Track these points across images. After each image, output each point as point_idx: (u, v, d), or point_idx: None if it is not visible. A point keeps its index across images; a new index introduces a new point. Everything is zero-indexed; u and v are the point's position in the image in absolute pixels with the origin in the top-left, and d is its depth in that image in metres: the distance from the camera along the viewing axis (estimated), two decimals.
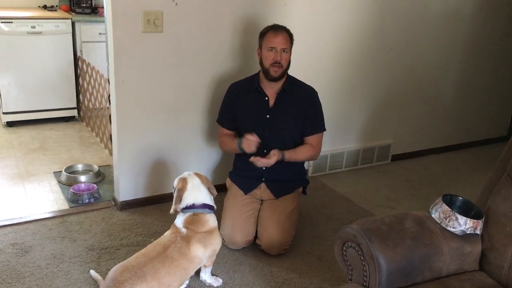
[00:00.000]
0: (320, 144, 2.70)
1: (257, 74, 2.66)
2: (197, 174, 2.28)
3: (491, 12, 4.12)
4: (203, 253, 2.12)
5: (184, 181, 2.23)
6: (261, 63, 2.57)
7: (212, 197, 2.28)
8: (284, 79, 2.61)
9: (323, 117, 2.70)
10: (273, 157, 2.48)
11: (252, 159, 2.49)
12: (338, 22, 3.35)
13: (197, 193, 2.21)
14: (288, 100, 2.61)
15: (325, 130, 2.70)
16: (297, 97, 2.62)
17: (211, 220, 2.21)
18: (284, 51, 2.50)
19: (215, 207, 2.29)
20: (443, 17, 3.84)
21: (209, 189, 2.27)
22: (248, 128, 2.62)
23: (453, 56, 4.08)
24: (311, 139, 2.66)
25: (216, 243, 2.19)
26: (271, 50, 2.50)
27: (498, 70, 4.42)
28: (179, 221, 2.17)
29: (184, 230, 2.12)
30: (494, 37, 4.25)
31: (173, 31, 2.75)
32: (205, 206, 2.21)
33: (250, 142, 2.49)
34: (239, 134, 2.71)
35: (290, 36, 2.54)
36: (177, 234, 2.11)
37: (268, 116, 2.61)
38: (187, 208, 2.18)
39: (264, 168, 2.65)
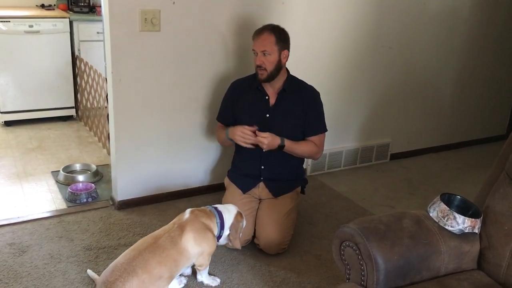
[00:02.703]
0: (323, 144, 2.69)
1: None
2: (239, 214, 2.37)
3: (489, 11, 4.11)
4: (192, 247, 2.10)
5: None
6: None
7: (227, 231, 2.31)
8: (284, 78, 2.60)
9: (324, 117, 2.69)
10: (269, 137, 2.46)
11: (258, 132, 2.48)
12: (336, 21, 3.34)
13: (227, 210, 2.33)
14: (289, 99, 2.60)
15: (326, 130, 2.70)
16: (298, 97, 2.62)
17: (213, 224, 2.23)
18: (264, 53, 2.46)
19: (222, 235, 2.29)
20: (441, 16, 3.84)
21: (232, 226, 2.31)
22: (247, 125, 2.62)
23: (452, 54, 4.07)
24: (313, 139, 2.65)
25: (206, 244, 2.18)
26: (255, 53, 2.50)
27: (497, 68, 4.42)
28: (191, 208, 2.26)
29: (187, 215, 2.18)
30: (493, 36, 4.24)
31: (170, 30, 2.75)
32: (221, 217, 2.27)
33: (242, 133, 2.49)
34: None
35: (276, 36, 2.46)
36: (176, 222, 2.16)
37: (268, 115, 2.60)
38: (211, 206, 2.33)
39: (262, 167, 2.65)
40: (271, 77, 2.53)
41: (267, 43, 2.45)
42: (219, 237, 2.27)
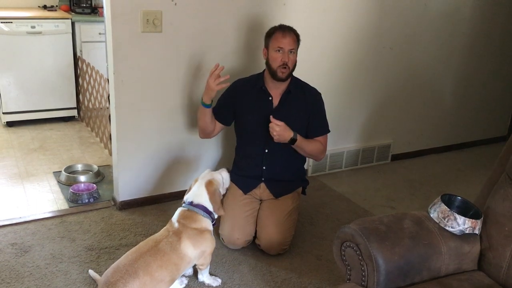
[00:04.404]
0: (326, 144, 2.69)
1: (262, 73, 2.65)
2: (209, 182, 2.27)
3: (490, 12, 4.12)
4: (192, 252, 2.11)
5: (195, 180, 2.31)
6: (267, 64, 2.55)
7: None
8: (289, 80, 2.60)
9: (326, 119, 2.69)
10: (282, 126, 2.45)
11: (272, 119, 2.46)
12: (337, 22, 3.35)
13: (199, 194, 2.24)
14: (293, 101, 2.61)
15: (329, 131, 2.70)
16: (302, 98, 2.62)
17: (204, 221, 2.19)
18: (291, 52, 2.49)
19: (215, 216, 2.26)
20: (443, 17, 3.84)
21: (211, 200, 2.24)
22: (249, 126, 2.63)
23: (453, 55, 4.07)
24: (318, 139, 2.65)
25: (205, 245, 2.18)
26: (279, 51, 2.48)
27: (498, 69, 4.42)
28: (175, 215, 2.21)
29: (176, 225, 2.15)
30: (494, 37, 4.24)
31: (172, 31, 2.76)
32: (202, 208, 2.21)
33: (209, 81, 2.46)
34: (240, 132, 2.73)
35: (297, 37, 2.53)
36: (169, 229, 2.14)
37: (271, 116, 2.61)
38: (187, 203, 2.24)
39: (264, 167, 2.65)
40: (289, 76, 2.55)
41: (293, 42, 2.49)
42: (215, 219, 2.26)
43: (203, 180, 2.28)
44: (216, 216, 2.28)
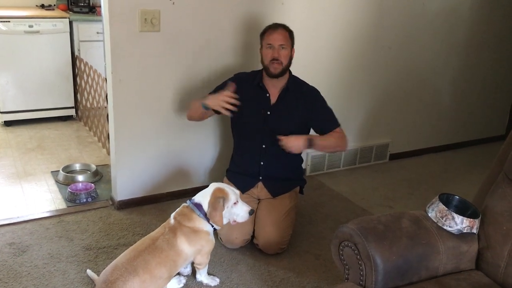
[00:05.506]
0: (344, 133, 2.65)
1: (261, 71, 2.66)
2: (219, 189, 2.20)
3: (488, 11, 4.12)
4: (188, 248, 2.11)
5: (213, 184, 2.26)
6: (262, 62, 2.58)
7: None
8: (287, 77, 2.61)
9: (333, 113, 2.67)
10: (290, 137, 2.47)
11: (280, 137, 2.47)
12: (335, 21, 3.35)
13: (204, 195, 2.20)
14: (291, 99, 2.61)
15: (339, 125, 2.66)
16: (300, 96, 2.63)
17: (198, 221, 2.15)
18: (282, 47, 2.50)
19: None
20: (441, 16, 3.84)
21: (210, 203, 2.18)
22: (247, 122, 2.63)
23: (451, 55, 4.08)
24: (332, 133, 2.63)
25: (201, 244, 2.16)
26: (269, 47, 2.51)
27: (496, 69, 4.42)
28: (175, 211, 2.21)
29: (172, 221, 2.15)
30: (492, 36, 4.25)
31: (170, 30, 2.75)
32: (201, 208, 2.17)
33: (220, 96, 2.43)
34: (238, 127, 2.73)
35: (289, 33, 2.54)
36: (166, 226, 2.15)
37: (269, 112, 2.61)
38: (190, 201, 2.22)
39: (262, 163, 2.66)
40: (284, 72, 2.56)
41: (284, 38, 2.51)
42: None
43: (218, 185, 2.23)
44: (225, 220, 2.21)
